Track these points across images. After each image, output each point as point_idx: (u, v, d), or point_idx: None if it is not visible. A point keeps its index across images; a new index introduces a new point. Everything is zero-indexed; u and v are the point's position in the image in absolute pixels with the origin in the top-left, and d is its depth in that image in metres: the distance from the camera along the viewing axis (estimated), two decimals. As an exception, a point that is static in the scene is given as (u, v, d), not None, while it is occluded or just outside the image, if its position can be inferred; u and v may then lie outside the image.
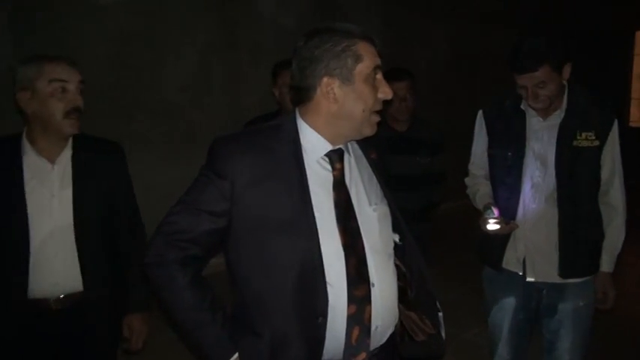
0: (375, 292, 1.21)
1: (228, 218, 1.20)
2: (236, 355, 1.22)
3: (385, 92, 1.23)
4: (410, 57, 5.04)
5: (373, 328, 1.21)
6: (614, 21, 6.96)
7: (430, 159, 2.55)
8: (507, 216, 1.88)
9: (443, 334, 1.36)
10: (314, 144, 1.24)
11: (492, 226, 1.82)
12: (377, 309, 1.21)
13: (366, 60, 1.19)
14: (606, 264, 1.91)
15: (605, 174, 1.87)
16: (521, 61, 1.73)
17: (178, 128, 4.24)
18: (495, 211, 1.83)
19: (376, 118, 1.24)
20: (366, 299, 1.19)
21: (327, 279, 1.16)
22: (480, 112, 2.06)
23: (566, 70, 1.78)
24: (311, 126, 1.24)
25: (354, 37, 1.19)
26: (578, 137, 1.83)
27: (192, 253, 1.22)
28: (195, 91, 4.32)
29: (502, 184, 1.95)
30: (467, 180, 2.16)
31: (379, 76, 1.23)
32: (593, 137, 1.83)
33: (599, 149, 1.84)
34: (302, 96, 1.24)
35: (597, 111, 1.86)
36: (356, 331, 1.18)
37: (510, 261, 1.94)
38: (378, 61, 1.22)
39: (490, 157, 2.01)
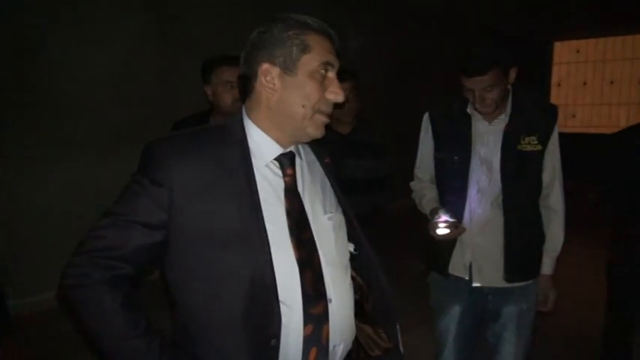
0: (333, 309, 1.11)
1: (165, 232, 1.05)
2: None
3: (335, 93, 1.13)
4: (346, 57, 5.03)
5: (331, 347, 1.12)
6: (532, 31, 7.33)
7: (375, 162, 2.50)
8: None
9: (401, 347, 1.29)
10: (262, 146, 1.13)
11: (442, 230, 1.79)
12: (335, 327, 1.11)
13: (315, 53, 1.09)
14: (547, 267, 1.94)
15: (546, 178, 1.90)
16: (471, 64, 1.71)
17: (105, 126, 3.97)
18: (444, 216, 1.80)
19: (322, 119, 1.13)
20: (324, 317, 1.09)
21: (281, 297, 1.05)
22: (426, 115, 2.03)
23: (512, 75, 1.78)
24: (256, 124, 1.13)
25: (308, 28, 1.09)
26: (522, 142, 1.84)
27: (123, 273, 1.05)
28: (124, 88, 4.06)
29: (448, 188, 1.93)
30: (412, 184, 2.13)
31: (331, 74, 1.13)
32: (536, 142, 1.84)
33: (541, 153, 1.86)
34: (245, 86, 1.14)
35: (539, 115, 1.88)
36: (313, 353, 1.08)
37: (457, 266, 1.92)
38: (331, 59, 1.12)
39: (437, 160, 1.99)
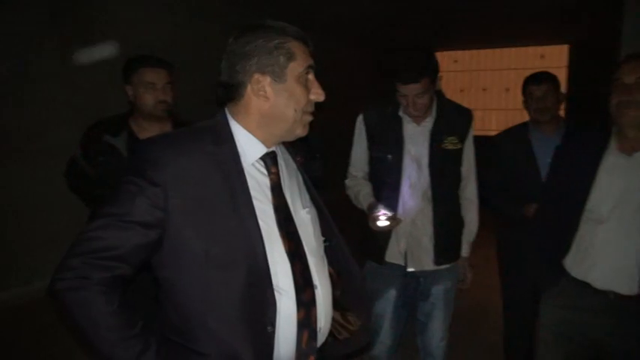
0: (319, 294, 1.22)
1: (161, 230, 1.09)
2: None
3: (317, 93, 1.23)
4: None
5: (318, 329, 1.22)
6: (417, 41, 8.00)
7: (308, 163, 2.62)
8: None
9: (370, 328, 1.43)
10: (249, 146, 1.20)
11: (382, 222, 1.97)
12: (320, 311, 1.22)
13: (299, 59, 1.18)
14: (465, 250, 2.23)
15: (464, 172, 2.19)
16: (406, 73, 1.92)
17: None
18: (383, 210, 1.99)
19: (308, 118, 1.24)
20: (312, 303, 1.20)
21: (275, 286, 1.14)
22: (360, 117, 2.21)
23: (438, 82, 2.03)
24: (243, 127, 1.20)
25: (288, 35, 1.18)
26: (445, 141, 2.10)
27: (120, 273, 1.08)
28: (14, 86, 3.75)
29: (383, 184, 2.13)
30: (347, 181, 2.30)
31: (311, 76, 1.23)
32: (457, 141, 2.12)
33: (461, 151, 2.14)
34: (232, 94, 1.20)
35: (458, 118, 2.16)
36: (305, 336, 1.18)
37: (393, 254, 2.13)
38: (311, 62, 1.22)
39: (372, 159, 2.18)
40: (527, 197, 2.37)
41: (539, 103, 2.52)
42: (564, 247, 1.83)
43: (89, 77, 4.22)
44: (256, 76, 1.16)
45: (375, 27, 6.79)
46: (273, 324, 1.13)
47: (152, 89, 2.13)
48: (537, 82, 2.56)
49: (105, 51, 4.20)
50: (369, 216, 2.04)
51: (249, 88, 1.17)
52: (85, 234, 1.07)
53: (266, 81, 1.16)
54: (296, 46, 1.19)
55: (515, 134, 2.68)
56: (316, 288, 1.22)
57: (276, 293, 1.14)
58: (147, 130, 2.15)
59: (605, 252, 1.73)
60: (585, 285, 1.77)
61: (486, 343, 3.25)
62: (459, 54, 9.09)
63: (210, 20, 5.11)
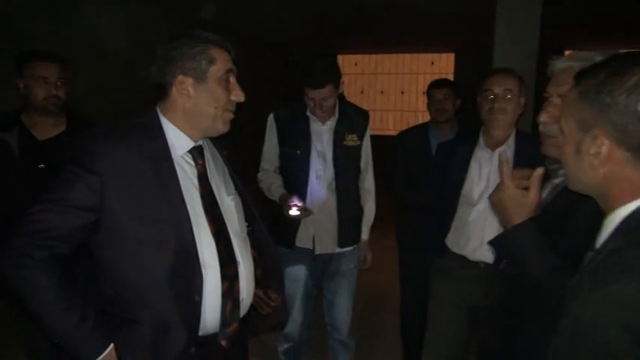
0: (241, 270, 1.40)
1: (97, 213, 1.23)
2: (111, 346, 1.26)
3: (237, 95, 1.41)
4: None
5: (241, 300, 1.41)
6: (319, 45, 8.34)
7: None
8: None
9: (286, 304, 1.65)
10: (177, 140, 1.36)
11: (294, 211, 2.20)
12: (243, 284, 1.41)
13: (219, 63, 1.36)
14: (365, 234, 2.53)
15: (363, 166, 2.48)
16: (314, 79, 2.16)
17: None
18: (295, 200, 2.21)
19: (229, 116, 1.41)
20: (235, 277, 1.38)
21: (202, 262, 1.31)
22: (271, 116, 2.42)
23: (341, 86, 2.29)
24: (172, 123, 1.36)
25: (210, 43, 1.35)
26: (347, 138, 2.38)
27: (59, 252, 1.22)
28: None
29: (293, 176, 2.36)
30: (260, 175, 2.49)
31: (232, 79, 1.40)
32: (356, 138, 2.40)
33: (360, 147, 2.43)
34: (161, 93, 1.36)
35: (357, 118, 2.44)
36: (229, 305, 1.36)
37: (302, 239, 2.36)
38: (231, 66, 1.40)
39: (282, 154, 2.40)
40: (423, 186, 2.72)
41: (439, 105, 2.92)
42: (446, 227, 2.19)
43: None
44: (180, 77, 1.32)
45: (284, 33, 7.02)
46: (200, 293, 1.30)
47: (44, 83, 2.13)
48: (439, 86, 2.98)
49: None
50: (282, 206, 2.25)
51: (174, 88, 1.33)
52: (27, 217, 1.19)
53: (189, 82, 1.33)
54: (217, 53, 1.36)
55: (416, 132, 3.09)
56: (239, 264, 1.40)
57: (202, 268, 1.31)
58: (39, 126, 2.16)
59: (476, 229, 2.10)
60: (463, 258, 2.14)
61: (385, 322, 3.61)
62: (359, 58, 9.63)
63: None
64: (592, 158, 0.85)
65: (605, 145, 0.83)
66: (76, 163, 1.22)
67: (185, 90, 1.33)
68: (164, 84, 1.34)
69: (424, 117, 9.68)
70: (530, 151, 1.88)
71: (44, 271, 1.18)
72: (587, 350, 0.76)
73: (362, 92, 9.74)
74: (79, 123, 2.24)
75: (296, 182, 2.34)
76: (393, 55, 9.38)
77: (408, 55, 9.28)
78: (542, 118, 1.31)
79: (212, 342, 1.35)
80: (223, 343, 1.36)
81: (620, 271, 0.75)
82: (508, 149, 2.10)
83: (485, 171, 2.11)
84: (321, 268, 2.44)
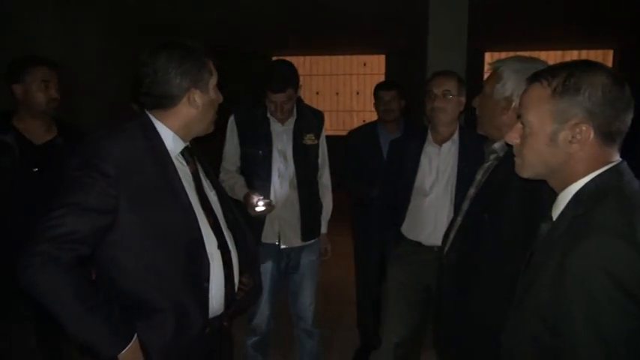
0: (233, 258, 1.55)
1: (114, 215, 1.31)
2: (135, 336, 1.34)
3: (220, 98, 1.55)
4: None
5: (235, 285, 1.55)
6: (253, 47, 8.42)
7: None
8: None
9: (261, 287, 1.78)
10: (172, 143, 1.46)
11: (259, 208, 2.30)
12: (235, 270, 1.55)
13: (214, 74, 1.50)
14: (324, 227, 2.69)
15: (320, 163, 2.63)
16: (276, 83, 2.29)
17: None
18: (260, 198, 2.31)
19: (215, 117, 1.55)
20: (230, 264, 1.52)
21: (207, 250, 1.43)
22: (232, 117, 2.52)
23: (299, 90, 2.43)
24: (169, 127, 1.45)
25: (206, 56, 1.47)
26: (305, 138, 2.52)
27: (82, 253, 1.29)
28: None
29: (256, 175, 2.47)
30: (221, 175, 2.57)
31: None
32: (313, 137, 2.55)
33: (317, 146, 2.58)
34: (164, 104, 1.43)
35: (313, 119, 2.59)
36: (229, 289, 1.51)
37: (268, 235, 2.48)
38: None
39: (244, 154, 2.50)
40: (374, 181, 2.91)
41: (387, 105, 3.13)
42: (401, 217, 2.39)
43: None
44: (192, 90, 1.43)
45: (219, 35, 7.03)
46: (208, 280, 1.44)
47: (45, 87, 2.19)
48: (386, 88, 3.19)
49: None
50: (247, 204, 2.35)
51: (184, 99, 1.43)
52: (46, 223, 1.25)
53: (197, 94, 1.44)
54: (211, 64, 1.49)
55: (366, 131, 3.29)
56: (231, 252, 1.54)
57: (208, 255, 1.44)
58: (33, 130, 2.18)
59: (429, 217, 2.32)
60: (418, 244, 2.35)
61: (341, 313, 3.79)
62: (294, 59, 9.71)
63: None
64: (569, 144, 1.00)
65: (584, 132, 0.99)
66: (90, 165, 1.29)
67: (194, 101, 1.44)
68: (170, 96, 1.41)
69: (358, 117, 10.05)
70: (473, 145, 2.12)
71: (70, 271, 1.25)
72: (572, 303, 0.90)
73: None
74: (68, 128, 2.31)
75: (259, 181, 2.45)
76: (327, 57, 9.62)
77: (341, 57, 9.56)
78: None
79: (217, 323, 1.50)
80: (225, 323, 1.53)
81: (594, 228, 0.92)
82: (453, 144, 2.34)
83: (434, 164, 2.33)
84: (286, 261, 2.56)
